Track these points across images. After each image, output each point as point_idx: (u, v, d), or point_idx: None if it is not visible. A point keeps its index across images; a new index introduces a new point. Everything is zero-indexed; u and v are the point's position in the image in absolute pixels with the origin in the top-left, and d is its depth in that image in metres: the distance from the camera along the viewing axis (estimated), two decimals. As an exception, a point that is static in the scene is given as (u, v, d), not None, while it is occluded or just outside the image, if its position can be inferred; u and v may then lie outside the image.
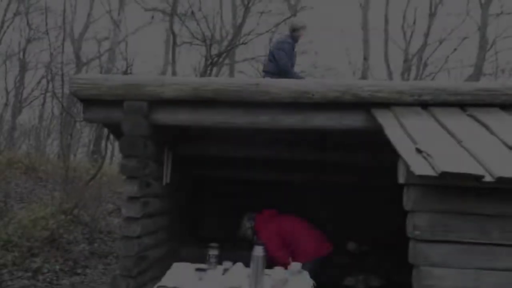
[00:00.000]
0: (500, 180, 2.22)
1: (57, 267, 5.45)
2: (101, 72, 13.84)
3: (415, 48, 16.13)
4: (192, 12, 11.07)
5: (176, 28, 13.61)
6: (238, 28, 12.42)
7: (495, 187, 2.35)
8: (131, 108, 3.68)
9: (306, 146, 4.65)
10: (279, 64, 5.27)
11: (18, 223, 5.89)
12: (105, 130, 9.36)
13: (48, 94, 15.17)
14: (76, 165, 9.66)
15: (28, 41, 15.51)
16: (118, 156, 15.35)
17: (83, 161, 12.59)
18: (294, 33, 5.49)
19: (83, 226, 7.08)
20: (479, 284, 2.41)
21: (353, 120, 3.55)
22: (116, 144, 11.64)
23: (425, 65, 15.88)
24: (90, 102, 3.82)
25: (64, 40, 9.44)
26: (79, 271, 5.71)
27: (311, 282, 3.19)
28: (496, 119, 3.15)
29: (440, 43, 15.59)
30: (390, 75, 16.00)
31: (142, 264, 3.79)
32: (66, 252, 6.00)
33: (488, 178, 2.24)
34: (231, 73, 15.71)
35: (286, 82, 3.65)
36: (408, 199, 2.53)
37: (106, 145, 9.72)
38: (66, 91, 9.34)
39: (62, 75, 9.47)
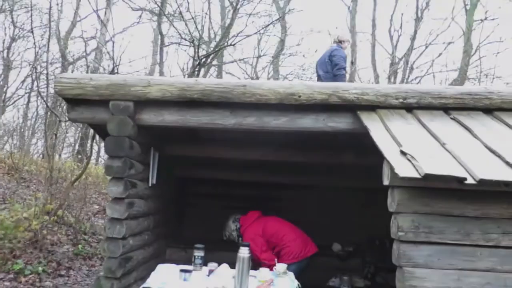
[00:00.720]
0: (482, 182, 2.25)
1: (40, 269, 5.36)
2: (87, 72, 13.67)
3: (401, 52, 16.35)
4: (180, 13, 11.01)
5: (164, 28, 13.57)
6: (226, 29, 12.40)
7: (477, 189, 2.39)
8: (117, 108, 3.66)
9: (291, 148, 4.66)
10: (335, 69, 5.68)
11: (0, 224, 5.79)
12: (91, 130, 9.27)
13: (33, 93, 14.96)
14: (61, 166, 9.53)
15: (13, 39, 15.24)
16: (103, 156, 15.21)
17: (68, 161, 12.43)
18: (340, 44, 6.03)
19: (67, 227, 6.99)
20: (461, 285, 2.45)
21: (339, 122, 3.59)
22: (102, 144, 11.53)
23: (411, 68, 16.06)
24: (75, 101, 3.79)
25: (49, 38, 9.28)
26: (62, 272, 5.63)
27: (296, 283, 3.21)
28: (479, 123, 3.22)
29: (426, 47, 15.81)
30: (376, 78, 16.15)
31: (126, 265, 3.76)
32: (50, 254, 5.91)
33: (470, 180, 2.27)
34: (219, 74, 15.67)
35: (273, 84, 3.66)
36: (392, 201, 2.56)
37: (91, 146, 9.58)
38: (51, 90, 9.23)
39: (47, 74, 9.35)
